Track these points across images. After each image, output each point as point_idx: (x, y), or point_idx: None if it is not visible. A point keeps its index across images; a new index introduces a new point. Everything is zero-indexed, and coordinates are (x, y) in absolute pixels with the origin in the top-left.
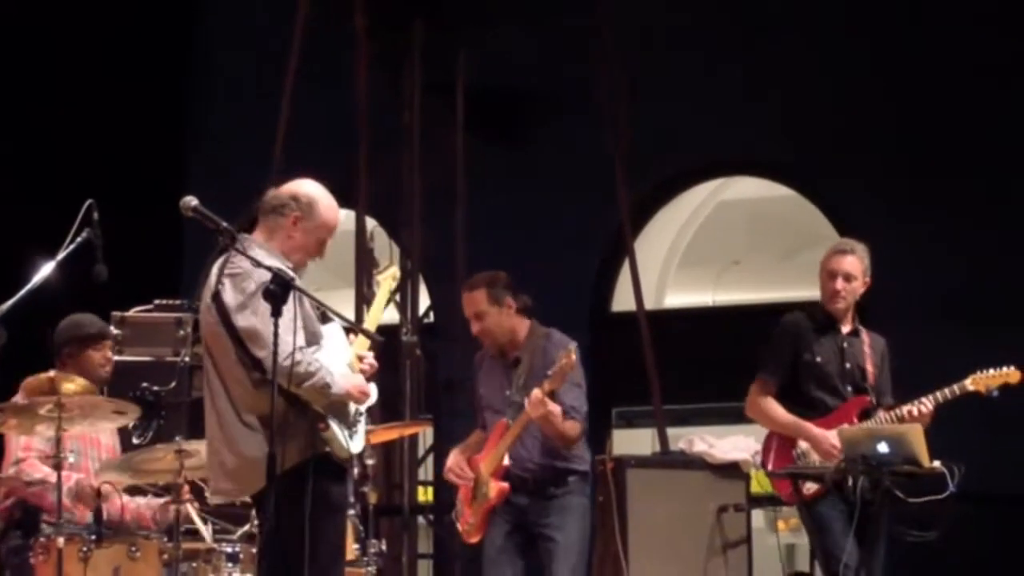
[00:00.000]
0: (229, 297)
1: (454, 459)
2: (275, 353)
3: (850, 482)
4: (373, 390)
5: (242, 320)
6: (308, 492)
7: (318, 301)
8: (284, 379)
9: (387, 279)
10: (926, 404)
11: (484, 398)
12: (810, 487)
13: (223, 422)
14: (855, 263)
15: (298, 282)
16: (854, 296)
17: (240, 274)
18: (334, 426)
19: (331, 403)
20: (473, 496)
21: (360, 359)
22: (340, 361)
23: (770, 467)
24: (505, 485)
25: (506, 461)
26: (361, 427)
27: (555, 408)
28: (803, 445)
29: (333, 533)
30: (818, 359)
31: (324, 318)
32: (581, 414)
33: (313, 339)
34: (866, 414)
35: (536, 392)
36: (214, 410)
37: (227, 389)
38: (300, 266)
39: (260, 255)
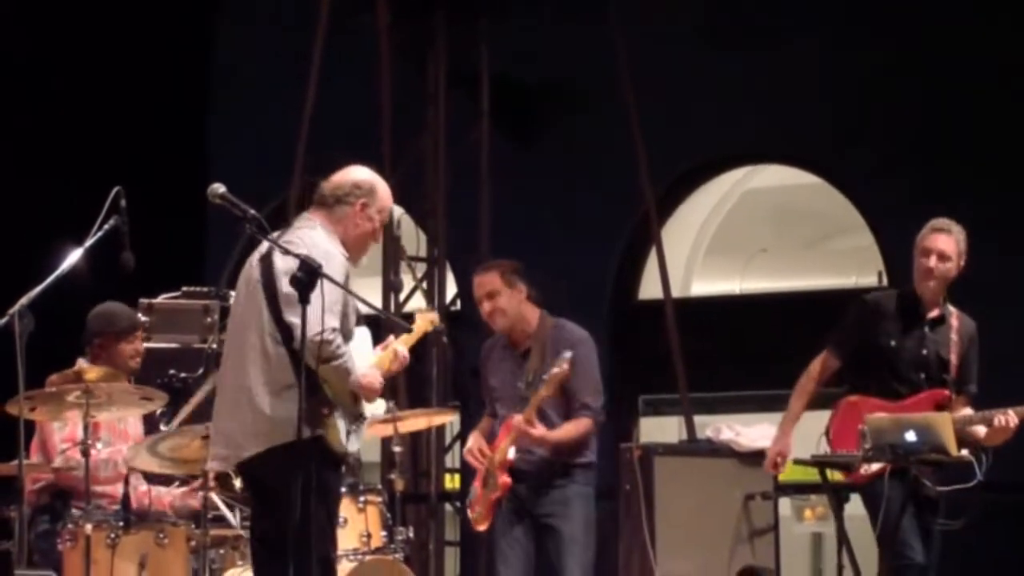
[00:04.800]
0: (280, 262)
1: (474, 441)
2: (303, 338)
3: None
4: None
5: (285, 286)
6: (308, 468)
7: (355, 295)
8: (311, 354)
9: (425, 322)
10: (1012, 418)
11: (496, 389)
12: (867, 468)
13: (239, 385)
14: (951, 243)
15: (351, 275)
16: (946, 277)
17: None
18: (337, 417)
19: (341, 393)
20: (484, 483)
21: (395, 353)
22: (364, 362)
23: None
24: (508, 479)
25: (512, 455)
26: (361, 431)
27: (538, 433)
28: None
29: (324, 516)
30: (893, 343)
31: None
32: (593, 410)
33: (346, 335)
34: (941, 409)
35: (518, 419)
36: (235, 369)
37: (247, 352)
38: (363, 254)
39: (320, 237)
